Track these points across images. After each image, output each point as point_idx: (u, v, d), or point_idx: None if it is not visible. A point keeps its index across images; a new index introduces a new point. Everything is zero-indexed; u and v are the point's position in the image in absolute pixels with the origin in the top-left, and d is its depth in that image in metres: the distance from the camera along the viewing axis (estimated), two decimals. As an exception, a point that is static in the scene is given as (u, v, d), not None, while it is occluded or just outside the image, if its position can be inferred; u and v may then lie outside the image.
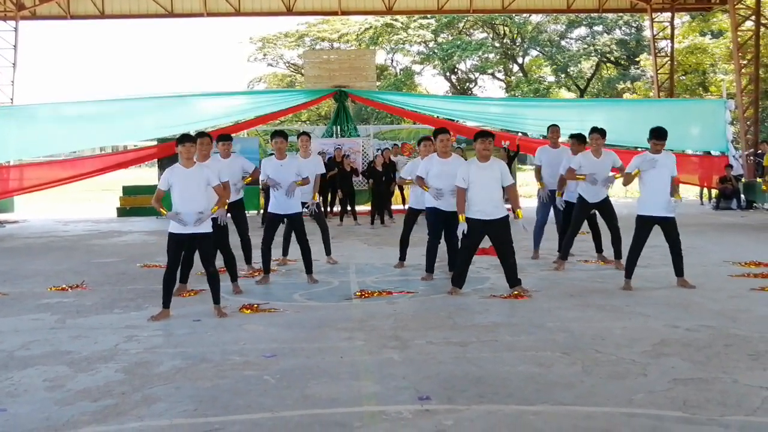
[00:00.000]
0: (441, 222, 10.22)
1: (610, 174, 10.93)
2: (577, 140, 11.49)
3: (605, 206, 11.04)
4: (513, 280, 9.34)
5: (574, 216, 11.11)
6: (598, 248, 11.72)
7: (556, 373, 6.00)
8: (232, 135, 12.45)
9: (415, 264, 11.59)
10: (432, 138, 11.23)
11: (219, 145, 10.70)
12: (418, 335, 7.27)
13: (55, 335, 7.56)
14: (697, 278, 9.87)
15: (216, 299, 8.40)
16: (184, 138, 8.35)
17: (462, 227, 9.17)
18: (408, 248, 11.59)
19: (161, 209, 8.24)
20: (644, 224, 9.55)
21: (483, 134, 9.30)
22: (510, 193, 9.41)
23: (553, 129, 12.33)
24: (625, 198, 25.96)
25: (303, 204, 10.92)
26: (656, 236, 9.65)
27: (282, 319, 8.15)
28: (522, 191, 23.66)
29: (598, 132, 10.98)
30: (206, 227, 8.31)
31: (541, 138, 21.90)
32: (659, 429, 4.80)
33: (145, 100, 22.61)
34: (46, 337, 7.46)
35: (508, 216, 9.28)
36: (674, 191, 9.64)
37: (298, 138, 11.82)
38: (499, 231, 9.20)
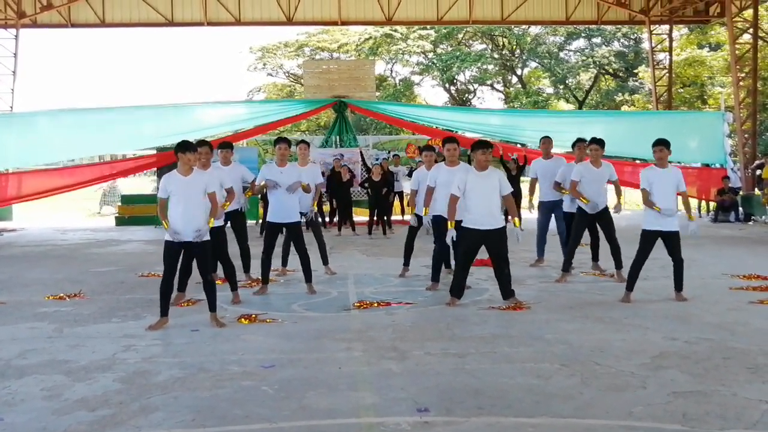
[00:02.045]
0: (446, 230, 10.21)
1: (616, 206, 11.03)
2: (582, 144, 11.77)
3: (604, 217, 11.05)
4: (507, 291, 9.35)
5: (574, 227, 11.13)
6: (594, 257, 11.74)
7: (555, 385, 5.99)
8: (233, 144, 12.45)
9: (415, 275, 11.61)
10: (433, 148, 11.25)
11: (219, 153, 10.71)
12: (417, 346, 7.26)
13: (52, 344, 7.54)
14: (695, 291, 9.89)
15: (212, 308, 8.39)
16: (185, 146, 8.28)
17: (451, 234, 9.18)
18: (412, 255, 11.72)
19: (165, 221, 8.21)
20: (648, 239, 9.58)
21: (483, 144, 9.31)
22: (508, 203, 9.42)
23: (545, 140, 12.46)
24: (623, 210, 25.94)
25: (301, 214, 10.91)
26: (656, 249, 9.67)
27: (280, 329, 8.14)
28: (525, 202, 23.65)
29: (597, 143, 11.04)
30: (203, 236, 8.28)
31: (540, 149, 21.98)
32: (658, 442, 4.80)
33: (144, 109, 22.61)
34: (43, 346, 7.44)
35: (505, 227, 9.29)
36: (687, 210, 9.78)
37: (296, 146, 11.82)
38: (496, 242, 9.19)
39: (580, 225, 11.06)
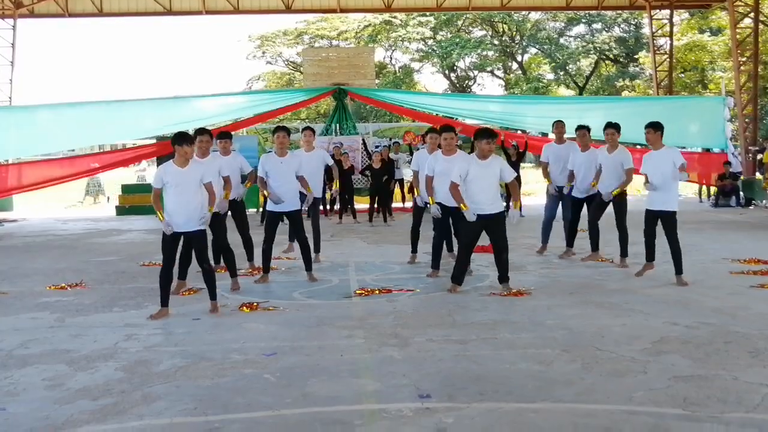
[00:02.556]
0: (446, 217, 10.23)
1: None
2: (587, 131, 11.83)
3: (616, 203, 11.00)
4: (502, 276, 9.38)
5: (591, 210, 11.22)
6: (594, 246, 11.75)
7: (556, 370, 6.00)
8: (232, 133, 12.45)
9: (416, 261, 11.61)
10: (437, 131, 11.22)
11: (218, 143, 10.66)
12: (418, 333, 7.27)
13: (54, 334, 7.56)
14: (696, 275, 9.89)
15: (212, 295, 8.42)
16: (182, 138, 8.25)
17: (469, 214, 9.12)
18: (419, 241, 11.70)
19: (160, 211, 8.23)
20: (648, 218, 9.84)
21: (487, 134, 9.27)
22: (512, 188, 9.55)
23: (558, 125, 12.36)
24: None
25: (315, 199, 10.80)
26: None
27: (282, 317, 8.14)
28: (522, 189, 23.65)
29: (612, 126, 10.99)
30: (193, 225, 8.31)
31: (540, 135, 21.95)
32: (660, 426, 4.81)
33: (144, 101, 22.54)
34: (45, 336, 7.46)
35: (504, 212, 9.30)
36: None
37: (302, 132, 11.81)
38: (495, 226, 9.21)
39: (597, 208, 11.16)
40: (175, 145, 8.18)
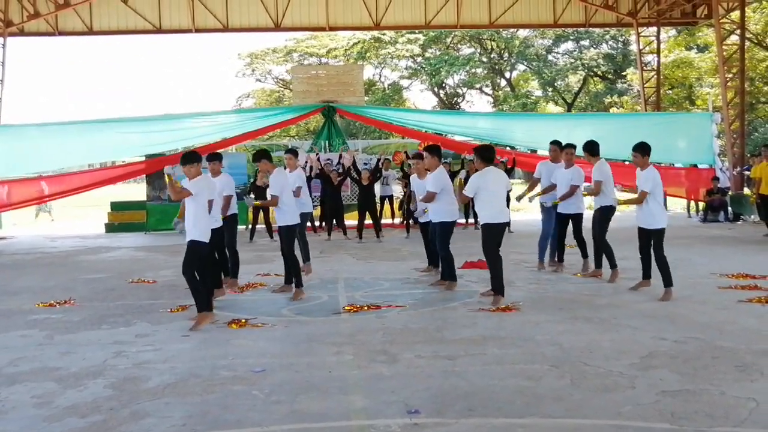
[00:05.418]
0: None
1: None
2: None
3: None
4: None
5: (596, 226, 11.25)
6: (560, 258, 12.08)
7: (545, 386, 6.01)
8: (220, 151, 12.50)
9: (405, 278, 11.64)
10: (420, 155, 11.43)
11: (209, 165, 10.65)
12: (407, 349, 7.27)
13: (43, 351, 7.53)
14: (684, 291, 9.92)
15: (199, 308, 8.51)
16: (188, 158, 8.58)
17: None
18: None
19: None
20: (639, 234, 10.08)
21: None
22: None
23: (553, 147, 12.38)
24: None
25: (302, 215, 10.89)
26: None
27: (271, 333, 8.14)
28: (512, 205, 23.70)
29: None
30: (191, 234, 8.48)
31: (529, 152, 22.03)
32: (647, 441, 4.83)
33: (133, 120, 22.53)
34: (34, 354, 7.44)
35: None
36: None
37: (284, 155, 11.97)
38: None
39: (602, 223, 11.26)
40: (186, 165, 8.59)
